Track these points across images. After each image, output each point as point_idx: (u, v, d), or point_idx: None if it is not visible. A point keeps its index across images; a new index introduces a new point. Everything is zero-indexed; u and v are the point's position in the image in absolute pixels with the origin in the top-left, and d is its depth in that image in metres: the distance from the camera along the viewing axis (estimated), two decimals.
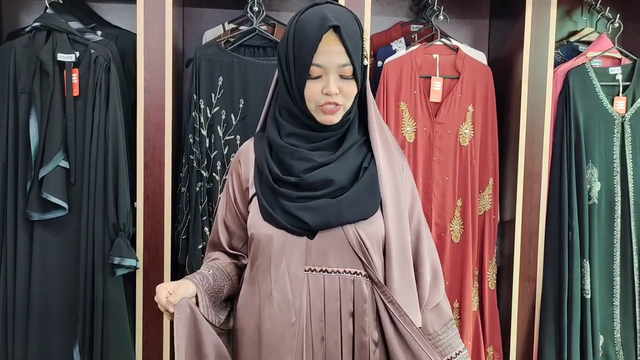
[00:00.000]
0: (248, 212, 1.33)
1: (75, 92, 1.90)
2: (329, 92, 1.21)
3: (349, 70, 1.21)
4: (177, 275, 2.05)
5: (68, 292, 1.93)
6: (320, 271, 1.25)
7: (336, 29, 1.18)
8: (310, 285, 1.25)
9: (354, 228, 1.24)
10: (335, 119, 1.25)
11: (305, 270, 1.25)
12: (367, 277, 1.26)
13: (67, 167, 1.90)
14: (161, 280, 1.94)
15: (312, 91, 1.22)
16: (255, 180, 1.31)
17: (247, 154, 1.36)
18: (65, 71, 1.89)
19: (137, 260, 1.89)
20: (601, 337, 2.07)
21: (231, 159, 2.01)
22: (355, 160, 1.28)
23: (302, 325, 1.24)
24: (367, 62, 1.27)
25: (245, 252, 1.38)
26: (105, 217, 1.89)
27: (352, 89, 1.24)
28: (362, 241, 1.24)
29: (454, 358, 1.34)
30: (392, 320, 1.26)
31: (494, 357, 2.11)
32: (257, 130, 1.41)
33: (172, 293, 1.22)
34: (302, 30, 1.20)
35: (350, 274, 1.26)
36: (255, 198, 1.30)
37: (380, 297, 1.26)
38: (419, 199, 1.38)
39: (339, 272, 1.25)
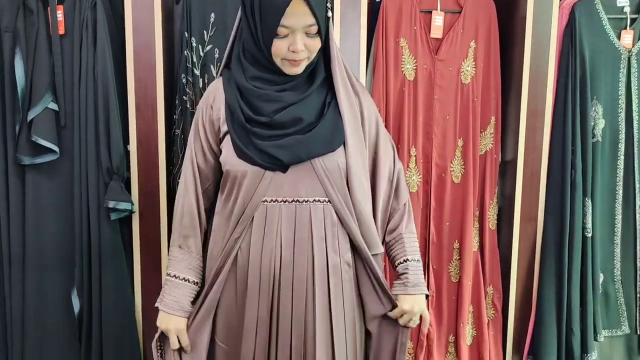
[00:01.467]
0: (220, 150, 1.40)
1: (61, 31, 1.82)
2: (295, 50, 1.27)
3: (314, 29, 1.27)
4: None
5: (64, 237, 1.91)
6: (292, 201, 1.35)
7: None
8: (282, 214, 1.35)
9: (321, 160, 1.34)
10: (300, 69, 1.32)
11: (278, 201, 1.34)
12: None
13: (56, 109, 1.85)
14: (158, 225, 1.92)
15: (279, 48, 1.28)
16: (228, 120, 1.36)
17: (216, 92, 1.41)
18: (49, 8, 1.81)
19: (132, 204, 1.86)
20: (601, 275, 2.07)
21: None
22: (320, 97, 1.37)
23: (276, 253, 1.34)
24: (330, 13, 1.33)
25: (210, 193, 1.45)
26: (98, 161, 1.84)
27: (316, 44, 1.30)
28: (329, 172, 1.34)
29: (403, 263, 1.44)
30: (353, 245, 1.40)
31: (493, 297, 2.11)
32: (222, 66, 1.45)
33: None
34: None
35: (320, 202, 1.36)
36: (227, 136, 1.37)
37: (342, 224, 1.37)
38: (381, 125, 1.47)
39: (309, 201, 1.35)
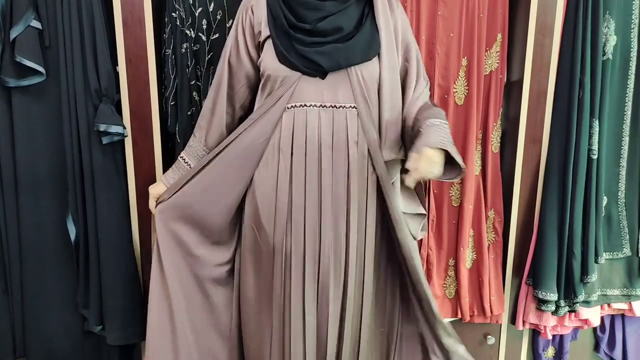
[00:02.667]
0: (257, 54, 1.51)
1: None
2: None
3: None
4: (167, 144, 1.96)
5: (56, 162, 1.86)
6: (330, 107, 1.47)
7: None
8: (321, 118, 1.47)
9: (357, 69, 1.46)
10: None
11: (317, 106, 1.46)
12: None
13: (40, 27, 1.75)
14: (151, 149, 1.86)
15: None
16: (270, 25, 1.46)
17: None
18: None
19: (124, 127, 1.80)
20: (605, 198, 2.03)
21: (217, 16, 1.85)
22: (358, 8, 1.47)
23: (316, 152, 1.47)
24: None
25: (241, 95, 1.58)
26: (85, 82, 1.77)
27: None
28: (364, 80, 1.47)
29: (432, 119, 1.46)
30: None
31: (494, 220, 2.08)
32: None
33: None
34: None
35: (356, 108, 1.49)
36: (268, 41, 1.47)
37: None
38: (413, 40, 1.59)
39: (346, 107, 1.48)
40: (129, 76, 1.80)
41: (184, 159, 1.65)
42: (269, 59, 1.47)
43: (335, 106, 1.47)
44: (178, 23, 1.82)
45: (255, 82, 1.58)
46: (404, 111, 1.57)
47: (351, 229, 1.53)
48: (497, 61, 1.98)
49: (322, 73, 1.45)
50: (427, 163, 1.33)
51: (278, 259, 1.54)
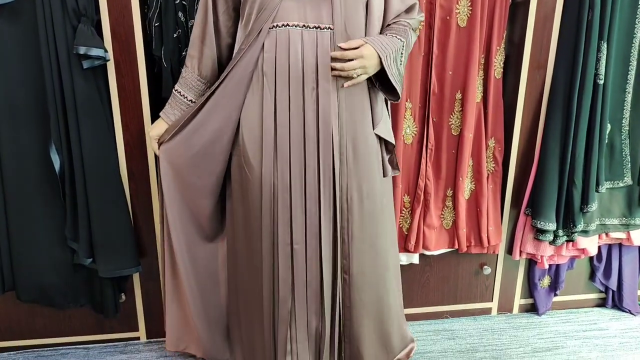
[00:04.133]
0: None
1: None
2: None
3: None
4: (154, 69, 1.85)
5: (34, 89, 1.74)
6: (314, 27, 1.41)
7: None
8: (304, 40, 1.41)
9: None
10: None
11: (300, 27, 1.41)
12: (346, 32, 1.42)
13: None
14: (136, 74, 1.76)
15: None
16: None
17: None
18: None
19: (105, 50, 1.68)
20: (609, 125, 1.97)
21: None
22: None
23: (300, 74, 1.42)
24: None
25: (227, 18, 1.54)
26: (62, 1, 1.63)
27: None
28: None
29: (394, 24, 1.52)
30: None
31: (494, 150, 2.02)
32: None
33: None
34: None
35: (331, 29, 1.42)
36: None
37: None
38: None
39: (330, 29, 1.41)
40: None
41: (179, 92, 1.60)
42: None
43: (319, 27, 1.40)
44: None
45: (239, 4, 1.50)
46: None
47: (335, 155, 1.49)
48: None
49: None
50: (359, 61, 1.42)
51: (266, 188, 1.50)
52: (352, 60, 1.41)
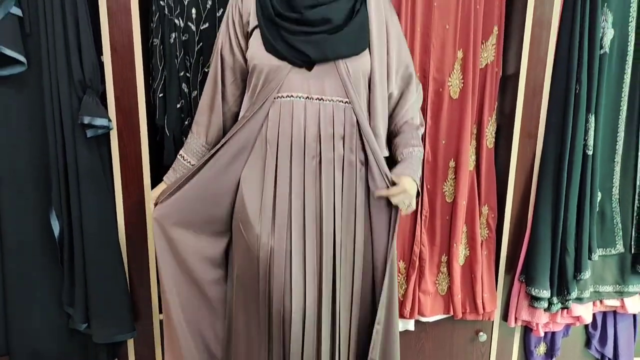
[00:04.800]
0: (247, 45, 1.49)
1: None
2: None
3: None
4: (156, 137, 1.91)
5: (38, 155, 1.79)
6: (316, 99, 1.45)
7: None
8: (307, 110, 1.45)
9: (345, 63, 1.44)
10: None
11: (303, 98, 1.44)
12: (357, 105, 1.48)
13: (20, 14, 1.67)
14: (138, 143, 1.80)
15: None
16: (258, 14, 1.44)
17: None
18: None
19: (109, 120, 1.74)
20: (599, 193, 2.01)
21: (207, 5, 1.78)
22: (350, 2, 1.44)
23: (302, 144, 1.46)
24: None
25: (235, 88, 1.57)
26: (69, 73, 1.70)
27: None
28: (352, 74, 1.45)
29: (409, 149, 1.60)
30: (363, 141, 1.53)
31: (488, 217, 2.06)
32: None
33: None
34: None
35: (343, 102, 1.47)
36: (256, 31, 1.45)
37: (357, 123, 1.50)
38: (401, 34, 1.59)
39: (333, 100, 1.46)
40: (115, 66, 1.73)
41: (184, 157, 1.64)
42: (255, 48, 1.45)
43: (322, 99, 1.45)
44: (166, 12, 1.76)
45: (247, 75, 1.55)
46: (394, 116, 1.62)
47: (337, 224, 1.50)
48: (493, 54, 1.95)
49: (308, 64, 1.43)
50: (408, 195, 1.52)
51: (263, 253, 1.50)
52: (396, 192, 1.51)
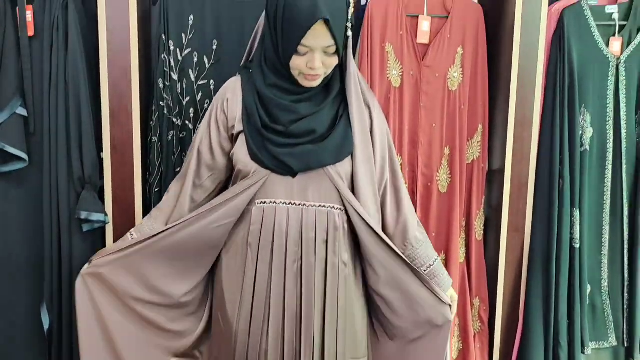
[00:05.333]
0: (230, 145, 1.49)
1: (30, 32, 1.73)
2: (313, 67, 1.35)
3: (332, 49, 1.35)
4: None
5: (33, 249, 1.82)
6: (299, 204, 1.45)
7: (326, 21, 1.28)
8: (290, 216, 1.44)
9: (329, 169, 1.44)
10: (316, 84, 1.41)
11: (286, 204, 1.44)
12: (340, 210, 1.47)
13: (25, 114, 1.75)
14: None
15: (298, 64, 1.36)
16: (244, 121, 1.44)
17: (234, 90, 1.48)
18: (17, 8, 1.71)
19: (106, 215, 1.77)
20: (588, 286, 2.04)
21: (205, 105, 1.87)
22: (333, 109, 1.46)
23: (283, 249, 1.44)
24: (350, 33, 1.37)
25: (209, 185, 1.53)
26: (69, 169, 1.76)
27: (334, 61, 1.38)
28: (344, 175, 1.46)
29: (430, 266, 1.59)
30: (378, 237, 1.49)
31: (480, 309, 2.06)
32: (242, 65, 1.53)
33: None
34: (291, 11, 1.29)
35: (325, 207, 1.46)
36: (241, 136, 1.45)
37: (362, 222, 1.47)
38: (389, 138, 1.58)
39: (316, 206, 1.45)
40: (114, 163, 1.79)
41: (132, 235, 1.56)
42: (241, 153, 1.45)
43: (304, 204, 1.45)
44: (165, 112, 1.84)
45: (224, 173, 1.54)
46: (393, 223, 1.58)
47: (316, 330, 1.47)
48: (479, 150, 2.03)
49: (292, 173, 1.44)
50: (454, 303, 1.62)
51: (240, 349, 1.48)
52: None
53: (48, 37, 1.72)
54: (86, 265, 1.53)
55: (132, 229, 1.59)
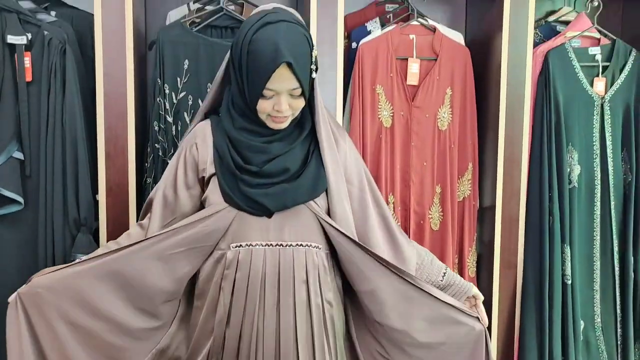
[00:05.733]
0: (199, 190, 1.45)
1: (28, 77, 1.77)
2: (280, 110, 1.34)
3: (298, 91, 1.34)
4: None
5: None
6: (276, 245, 1.40)
7: (289, 64, 1.28)
8: (266, 258, 1.39)
9: (311, 202, 1.41)
10: (284, 126, 1.39)
11: (263, 245, 1.39)
12: (317, 248, 1.42)
13: (22, 158, 1.78)
14: None
15: (264, 107, 1.35)
16: (216, 164, 1.41)
17: (204, 134, 1.45)
18: (16, 54, 1.75)
19: None
20: (582, 322, 2.05)
21: None
22: (304, 147, 1.44)
23: (258, 292, 1.39)
24: (315, 74, 1.37)
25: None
26: (65, 212, 1.77)
27: (300, 103, 1.38)
28: (318, 210, 1.42)
29: (442, 280, 1.52)
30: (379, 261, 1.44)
31: None
32: (206, 110, 1.51)
33: None
34: (254, 56, 1.30)
35: (302, 246, 1.41)
36: (214, 178, 1.41)
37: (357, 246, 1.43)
38: (365, 170, 1.54)
39: (292, 245, 1.41)
40: (109, 205, 1.81)
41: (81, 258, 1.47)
42: (214, 196, 1.41)
43: (281, 244, 1.40)
44: (160, 153, 1.87)
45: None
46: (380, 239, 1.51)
47: None
48: (470, 188, 2.06)
49: (268, 213, 1.40)
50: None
51: None
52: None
53: (46, 82, 1.76)
54: (24, 284, 1.42)
55: (83, 256, 1.47)
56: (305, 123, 1.45)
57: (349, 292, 1.52)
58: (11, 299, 1.40)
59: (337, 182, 1.45)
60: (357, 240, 1.44)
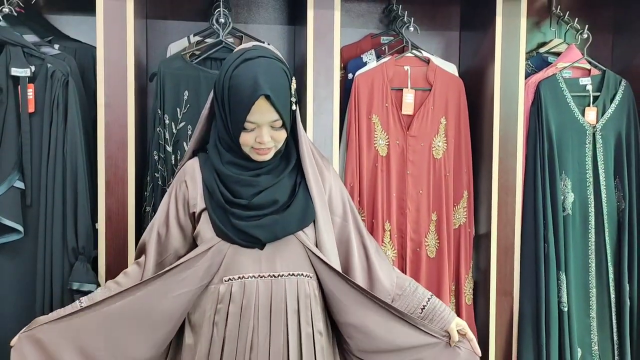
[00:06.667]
0: (191, 226, 1.48)
1: (31, 109, 1.80)
2: (262, 142, 1.39)
3: (278, 123, 1.39)
4: None
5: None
6: (268, 276, 1.42)
7: (267, 97, 1.33)
8: (259, 289, 1.41)
9: (299, 233, 1.45)
10: (268, 157, 1.43)
11: (255, 277, 1.41)
12: (308, 277, 1.45)
13: (23, 187, 1.80)
14: None
15: (247, 140, 1.39)
16: (206, 199, 1.45)
17: (193, 172, 1.49)
18: (19, 86, 1.79)
19: (97, 285, 1.78)
20: (579, 349, 2.05)
21: None
22: (291, 178, 1.48)
23: (251, 324, 1.40)
24: (295, 107, 1.42)
25: (166, 265, 1.47)
26: (64, 241, 1.79)
27: (282, 135, 1.42)
28: (307, 241, 1.45)
29: (425, 307, 1.54)
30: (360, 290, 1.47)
31: None
32: (194, 147, 1.55)
33: None
34: (235, 90, 1.36)
35: (294, 275, 1.44)
36: (204, 213, 1.45)
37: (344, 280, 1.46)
38: (348, 199, 1.58)
39: (284, 275, 1.43)
40: (108, 233, 1.83)
41: (82, 303, 1.47)
42: (205, 231, 1.44)
43: (273, 275, 1.42)
44: (160, 182, 1.90)
45: (184, 252, 1.50)
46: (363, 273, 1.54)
47: None
48: (465, 216, 2.09)
49: (260, 245, 1.43)
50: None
51: None
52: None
53: (48, 114, 1.79)
54: (25, 328, 1.45)
55: (82, 297, 1.49)
56: (291, 155, 1.49)
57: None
58: (14, 340, 1.45)
59: (323, 213, 1.49)
60: (340, 271, 1.47)
